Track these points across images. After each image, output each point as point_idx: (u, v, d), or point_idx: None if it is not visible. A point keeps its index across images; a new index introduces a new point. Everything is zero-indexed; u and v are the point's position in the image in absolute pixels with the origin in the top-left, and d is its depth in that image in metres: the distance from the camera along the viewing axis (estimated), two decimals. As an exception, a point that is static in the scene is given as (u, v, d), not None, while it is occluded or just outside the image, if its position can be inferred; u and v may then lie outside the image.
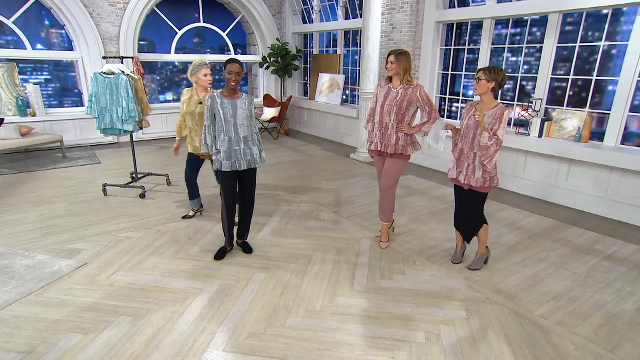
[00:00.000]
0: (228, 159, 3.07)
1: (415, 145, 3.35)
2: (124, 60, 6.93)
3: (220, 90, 3.16)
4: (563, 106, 4.83)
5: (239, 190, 3.31)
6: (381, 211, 3.55)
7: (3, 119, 6.18)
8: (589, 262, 3.32)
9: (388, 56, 3.19)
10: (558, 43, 4.71)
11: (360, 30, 7.05)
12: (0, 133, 5.87)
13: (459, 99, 6.13)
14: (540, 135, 4.87)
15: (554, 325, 2.52)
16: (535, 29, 5.15)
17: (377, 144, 3.37)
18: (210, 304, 2.70)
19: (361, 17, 7.11)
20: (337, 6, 7.96)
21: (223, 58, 9.15)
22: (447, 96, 6.26)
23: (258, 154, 3.20)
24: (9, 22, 6.63)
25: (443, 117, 6.38)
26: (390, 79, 3.29)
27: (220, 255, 3.31)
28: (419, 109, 3.30)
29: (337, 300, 2.77)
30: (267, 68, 8.84)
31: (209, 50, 9.18)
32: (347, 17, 7.84)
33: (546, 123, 4.84)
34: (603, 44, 4.39)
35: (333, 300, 2.77)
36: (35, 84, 7.01)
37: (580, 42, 4.58)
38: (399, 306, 2.71)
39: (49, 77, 7.70)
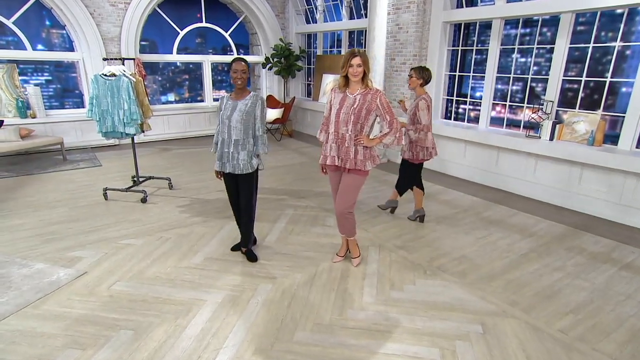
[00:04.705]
0: (219, 159, 3.12)
1: (375, 159, 2.98)
2: (125, 61, 6.84)
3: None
4: (573, 108, 4.70)
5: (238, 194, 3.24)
6: (341, 231, 3.22)
7: (2, 121, 6.10)
8: (606, 272, 3.20)
9: (350, 58, 2.77)
10: (570, 43, 4.58)
11: (365, 31, 6.93)
12: (-1, 135, 5.78)
13: (466, 101, 6.01)
14: (552, 138, 4.75)
15: (575, 340, 2.40)
16: (545, 29, 5.03)
17: (334, 157, 2.95)
18: (215, 316, 2.59)
19: (366, 17, 6.99)
20: (342, 6, 7.85)
21: (225, 58, 9.06)
22: (454, 98, 6.14)
23: (245, 159, 3.03)
24: (9, 23, 6.53)
25: (450, 119, 6.27)
26: (346, 84, 2.91)
27: (235, 247, 3.48)
28: (378, 118, 2.94)
29: (346, 312, 2.66)
30: (270, 68, 8.74)
31: (211, 51, 9.08)
32: (351, 17, 7.73)
33: (557, 126, 4.72)
34: (618, 44, 4.27)
35: (342, 312, 2.66)
36: (36, 84, 6.91)
37: (594, 43, 4.45)
38: (411, 319, 2.60)
39: (49, 77, 7.61)
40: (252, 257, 3.31)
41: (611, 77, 4.35)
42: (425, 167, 6.33)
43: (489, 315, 2.65)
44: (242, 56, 7.85)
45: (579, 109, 4.66)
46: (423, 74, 3.75)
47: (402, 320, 2.58)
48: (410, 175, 4.06)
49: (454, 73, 6.05)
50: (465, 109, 6.08)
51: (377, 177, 5.57)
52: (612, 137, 4.49)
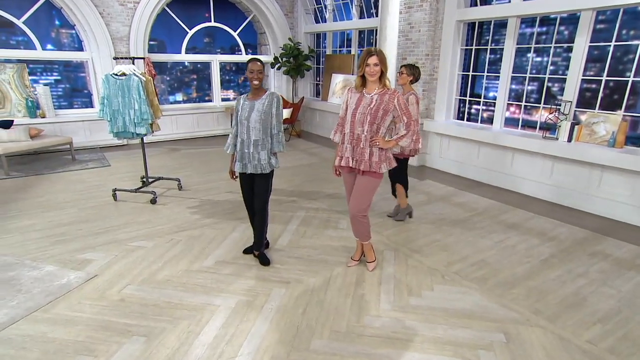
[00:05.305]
0: (240, 161, 3.05)
1: (390, 161, 2.91)
2: (135, 60, 6.81)
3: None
4: (592, 109, 4.56)
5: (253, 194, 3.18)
6: (355, 234, 3.14)
7: (12, 121, 6.09)
8: (633, 279, 3.08)
9: (367, 57, 2.69)
10: (590, 42, 4.45)
11: (376, 30, 6.84)
12: (9, 135, 5.76)
13: (479, 101, 5.89)
14: (570, 140, 4.62)
15: (604, 352, 2.29)
16: (562, 27, 4.90)
17: (349, 159, 2.88)
18: (228, 322, 2.51)
19: (376, 16, 6.90)
20: (351, 5, 7.76)
21: (234, 58, 9.01)
22: (467, 98, 6.02)
23: (266, 159, 3.02)
24: (19, 22, 6.53)
25: (462, 119, 6.16)
26: (363, 84, 2.82)
27: (247, 250, 3.41)
28: (395, 119, 2.84)
29: (364, 319, 2.57)
30: (278, 68, 8.67)
31: (219, 50, 9.03)
32: (361, 16, 7.63)
33: (576, 127, 4.59)
34: (641, 43, 4.13)
35: (359, 319, 2.57)
36: (45, 84, 6.90)
37: (615, 41, 4.31)
38: (431, 327, 2.50)
39: (58, 77, 7.60)
40: (264, 261, 3.24)
41: (634, 77, 4.22)
42: (436, 168, 6.28)
43: (512, 323, 2.55)
44: (257, 56, 7.78)
45: (599, 109, 4.53)
46: (414, 71, 3.83)
47: (422, 328, 2.49)
48: (402, 172, 4.05)
49: (467, 73, 5.94)
50: (478, 110, 5.96)
51: (389, 179, 5.46)
52: (633, 139, 4.36)
